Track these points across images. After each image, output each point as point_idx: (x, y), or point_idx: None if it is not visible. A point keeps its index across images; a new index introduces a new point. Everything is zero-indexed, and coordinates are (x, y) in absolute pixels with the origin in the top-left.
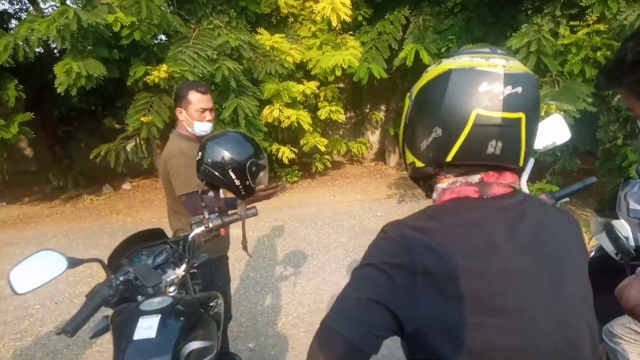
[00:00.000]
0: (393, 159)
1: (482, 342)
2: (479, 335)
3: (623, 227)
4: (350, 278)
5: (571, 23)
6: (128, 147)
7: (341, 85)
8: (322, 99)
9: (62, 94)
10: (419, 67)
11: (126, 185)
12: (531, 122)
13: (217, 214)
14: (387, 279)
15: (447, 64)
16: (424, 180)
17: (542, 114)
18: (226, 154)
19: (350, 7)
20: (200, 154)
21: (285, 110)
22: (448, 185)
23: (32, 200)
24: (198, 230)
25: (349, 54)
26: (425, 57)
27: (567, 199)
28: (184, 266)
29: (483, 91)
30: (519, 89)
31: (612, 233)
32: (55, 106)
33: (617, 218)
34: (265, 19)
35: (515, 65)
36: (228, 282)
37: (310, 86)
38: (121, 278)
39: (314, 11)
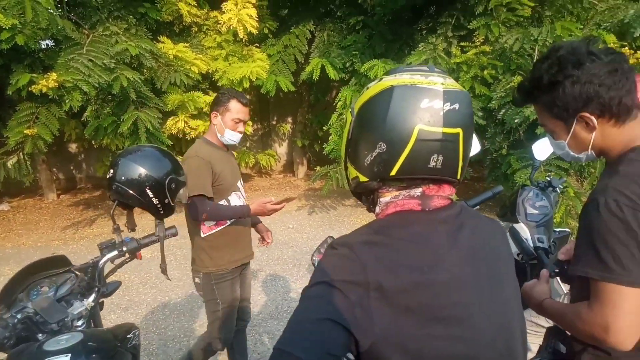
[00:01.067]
0: (301, 171)
1: (433, 353)
2: (430, 345)
3: (522, 230)
4: (301, 298)
5: (461, 44)
6: (9, 163)
7: (248, 97)
8: None
9: None
10: (325, 81)
11: (3, 207)
12: (468, 137)
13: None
14: (342, 296)
15: (388, 80)
16: (366, 195)
17: None
18: (142, 171)
19: (257, 19)
20: (112, 171)
21: (191, 121)
22: (391, 199)
23: None
24: (110, 255)
25: (257, 65)
26: (331, 72)
27: (477, 207)
28: (92, 296)
29: (424, 107)
30: (457, 106)
31: (516, 236)
32: None
33: (517, 222)
34: (167, 27)
35: (452, 83)
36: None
37: None
38: (18, 315)
39: (220, 21)
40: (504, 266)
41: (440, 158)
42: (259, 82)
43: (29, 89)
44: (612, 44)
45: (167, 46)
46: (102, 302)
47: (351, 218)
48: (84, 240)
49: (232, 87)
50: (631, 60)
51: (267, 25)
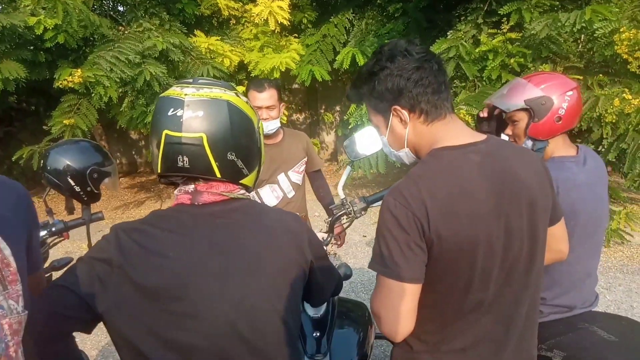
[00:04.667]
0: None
1: (162, 325)
2: (160, 319)
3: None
4: None
5: (489, 31)
6: None
7: (296, 86)
8: None
9: None
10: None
11: None
12: (217, 141)
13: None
14: (87, 269)
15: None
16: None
17: None
18: (65, 162)
19: (289, 10)
20: (42, 162)
21: None
22: (176, 192)
23: None
24: (41, 234)
25: (288, 56)
26: (362, 61)
27: (379, 202)
28: None
29: (170, 115)
30: (200, 113)
31: None
32: None
33: None
34: (206, 21)
35: (205, 93)
36: None
37: None
38: None
39: (253, 14)
40: (270, 258)
41: (186, 159)
42: (295, 72)
43: (58, 83)
44: None
45: (200, 39)
46: (51, 275)
47: None
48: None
49: (265, 76)
50: None
51: (305, 15)
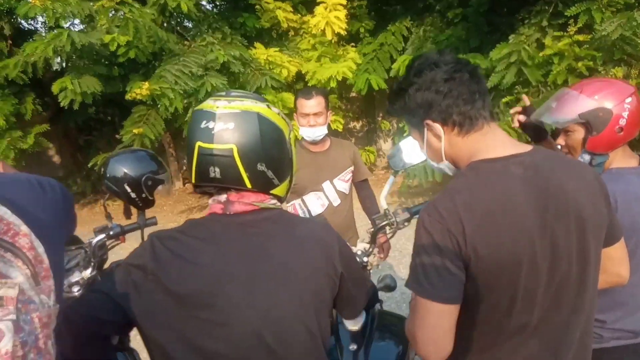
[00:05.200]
0: None
1: (195, 331)
2: (191, 325)
3: None
4: None
5: (554, 34)
6: None
7: (353, 94)
8: None
9: (77, 107)
10: None
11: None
12: (247, 152)
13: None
14: (124, 275)
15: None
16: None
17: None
18: (123, 170)
19: (347, 20)
20: (102, 169)
21: None
22: (210, 202)
23: None
24: (99, 237)
25: (344, 65)
26: None
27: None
28: (89, 269)
29: (202, 127)
30: (231, 125)
31: None
32: (72, 118)
33: None
34: (266, 33)
35: (236, 106)
36: None
37: None
38: None
39: (311, 25)
40: (296, 271)
41: (217, 169)
42: (352, 81)
43: (128, 96)
44: None
45: (260, 51)
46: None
47: None
48: None
49: (323, 86)
50: None
51: (363, 24)
